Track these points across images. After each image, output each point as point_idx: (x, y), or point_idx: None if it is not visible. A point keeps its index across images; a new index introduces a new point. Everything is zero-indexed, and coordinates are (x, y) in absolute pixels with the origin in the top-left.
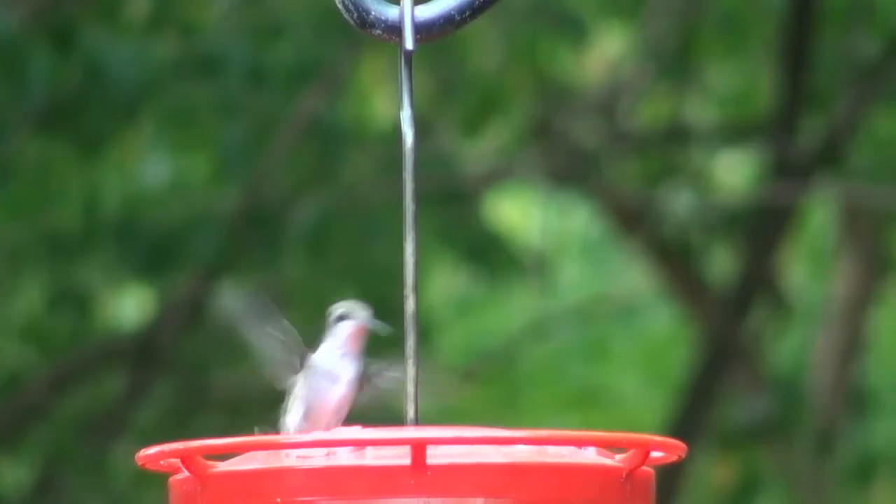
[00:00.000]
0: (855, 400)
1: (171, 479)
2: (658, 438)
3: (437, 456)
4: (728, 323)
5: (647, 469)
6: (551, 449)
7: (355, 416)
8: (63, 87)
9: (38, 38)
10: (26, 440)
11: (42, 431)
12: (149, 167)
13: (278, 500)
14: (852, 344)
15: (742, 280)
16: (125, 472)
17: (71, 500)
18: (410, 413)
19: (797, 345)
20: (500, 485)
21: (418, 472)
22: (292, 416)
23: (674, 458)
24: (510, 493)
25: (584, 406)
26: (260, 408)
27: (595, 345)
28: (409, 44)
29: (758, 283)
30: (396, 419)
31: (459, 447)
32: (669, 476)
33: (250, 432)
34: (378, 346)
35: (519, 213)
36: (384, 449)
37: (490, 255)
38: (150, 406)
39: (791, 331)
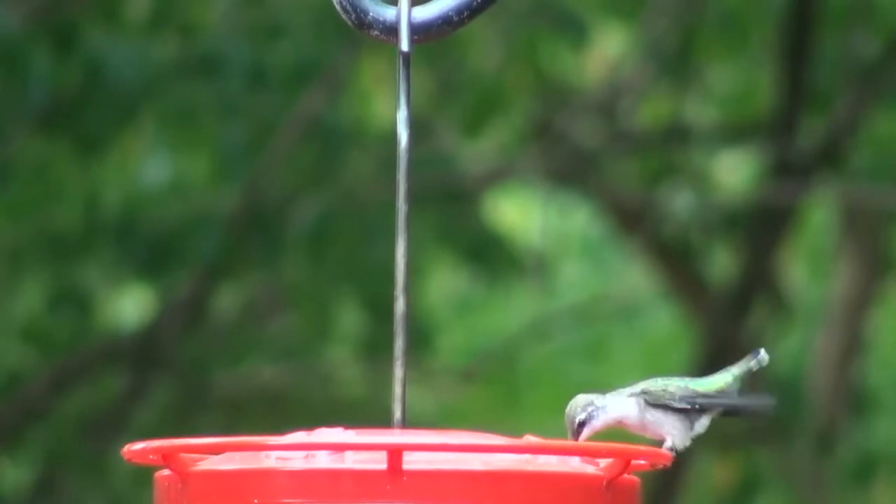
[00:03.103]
0: (855, 400)
1: (156, 475)
2: (639, 447)
3: (415, 462)
4: (728, 323)
5: (631, 477)
6: (535, 456)
7: (349, 415)
8: (63, 87)
9: (39, 38)
10: (26, 440)
11: (42, 431)
12: (149, 167)
13: (255, 501)
14: (852, 344)
15: (742, 280)
16: (125, 472)
17: (71, 500)
18: (397, 414)
19: (797, 345)
20: (477, 492)
21: (394, 477)
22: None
23: (658, 465)
24: (488, 501)
25: None
26: (260, 408)
27: (595, 345)
28: (405, 45)
29: (758, 283)
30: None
31: (441, 453)
32: (669, 476)
33: (251, 433)
34: (373, 347)
35: (519, 213)
36: (364, 452)
37: (490, 255)
38: (150, 406)
39: (791, 331)
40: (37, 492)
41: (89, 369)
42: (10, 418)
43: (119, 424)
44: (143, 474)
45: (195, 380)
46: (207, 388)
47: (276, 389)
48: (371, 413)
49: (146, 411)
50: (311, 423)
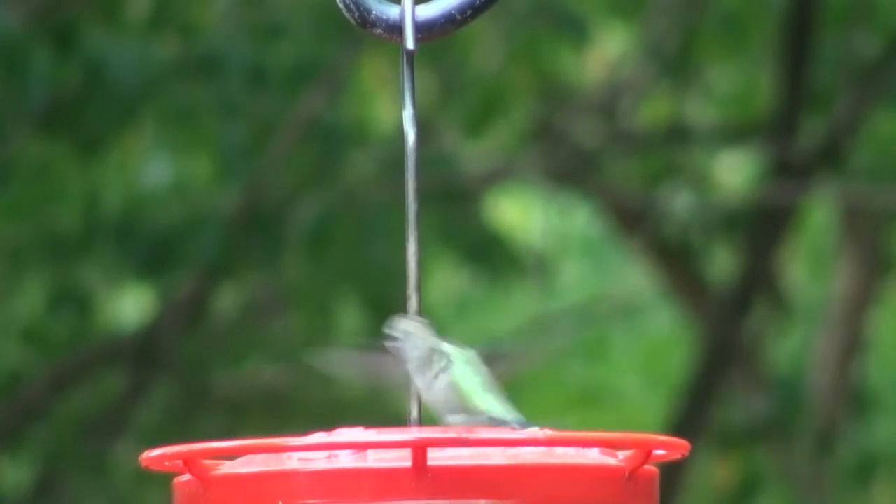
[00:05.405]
0: (855, 400)
1: (175, 481)
2: (660, 437)
3: (439, 458)
4: (728, 323)
5: (651, 468)
6: (554, 449)
7: (350, 416)
8: (64, 88)
9: (39, 38)
10: (26, 440)
11: (42, 431)
12: (149, 167)
13: (279, 503)
14: (852, 344)
15: (742, 280)
16: (126, 472)
17: (71, 500)
18: (414, 413)
19: (797, 345)
20: (502, 486)
21: (419, 474)
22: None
23: (677, 456)
24: (512, 495)
25: (584, 406)
26: (261, 408)
27: (595, 345)
28: (409, 43)
29: (758, 283)
30: (399, 419)
31: (463, 448)
32: (670, 476)
33: (252, 433)
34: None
35: (519, 213)
36: (386, 451)
37: (491, 255)
38: (150, 406)
39: (791, 331)
40: (37, 492)
41: (89, 369)
42: (10, 418)
43: (119, 424)
44: (143, 474)
45: (195, 380)
46: (208, 388)
47: (277, 390)
48: (372, 413)
49: (146, 411)
50: (312, 424)
